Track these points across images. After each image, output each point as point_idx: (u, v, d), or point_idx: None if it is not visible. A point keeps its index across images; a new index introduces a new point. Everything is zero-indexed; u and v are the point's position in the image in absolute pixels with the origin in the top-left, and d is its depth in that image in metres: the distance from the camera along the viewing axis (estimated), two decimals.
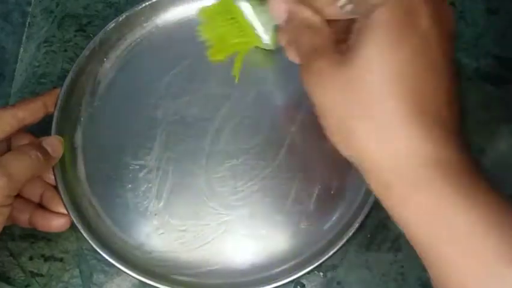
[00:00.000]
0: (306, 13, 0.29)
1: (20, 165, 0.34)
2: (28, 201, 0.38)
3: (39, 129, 0.39)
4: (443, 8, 0.27)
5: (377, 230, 0.39)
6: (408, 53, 0.25)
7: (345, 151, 0.27)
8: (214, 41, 0.42)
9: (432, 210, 0.24)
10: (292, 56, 0.32)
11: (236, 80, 0.41)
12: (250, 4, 0.39)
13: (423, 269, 0.37)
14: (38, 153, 0.35)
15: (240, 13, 0.39)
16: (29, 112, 0.37)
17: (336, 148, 0.28)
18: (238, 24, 0.40)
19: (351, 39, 0.27)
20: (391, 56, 0.25)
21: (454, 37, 0.27)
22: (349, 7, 0.28)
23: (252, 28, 0.40)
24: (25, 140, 0.38)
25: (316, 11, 0.30)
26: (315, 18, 0.29)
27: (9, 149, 0.38)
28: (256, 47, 0.41)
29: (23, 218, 0.37)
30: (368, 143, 0.26)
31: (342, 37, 0.29)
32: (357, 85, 0.25)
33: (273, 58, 0.42)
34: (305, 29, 0.29)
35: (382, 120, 0.25)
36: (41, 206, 0.38)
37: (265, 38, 0.40)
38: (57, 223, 0.37)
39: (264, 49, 0.41)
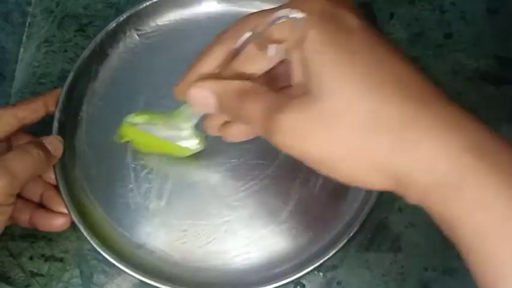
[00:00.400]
0: (235, 84, 0.28)
1: (23, 164, 0.34)
2: (28, 201, 0.38)
3: (40, 129, 0.39)
4: None
5: (377, 230, 0.39)
6: (362, 56, 0.24)
7: (370, 182, 0.25)
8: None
9: (477, 203, 0.22)
10: (235, 136, 0.31)
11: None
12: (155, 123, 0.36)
13: (423, 269, 0.38)
14: (40, 152, 0.35)
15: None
16: (29, 111, 0.37)
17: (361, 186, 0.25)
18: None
19: (299, 77, 0.26)
20: (352, 70, 0.24)
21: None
22: (275, 50, 0.27)
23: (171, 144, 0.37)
24: (25, 140, 0.38)
25: (242, 75, 0.28)
26: (246, 84, 0.28)
27: (9, 149, 0.38)
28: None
29: (24, 217, 0.37)
30: (391, 160, 0.23)
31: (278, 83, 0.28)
32: (339, 113, 0.24)
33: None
34: (247, 96, 0.27)
35: (396, 132, 0.23)
36: (41, 205, 0.38)
37: (191, 143, 0.37)
38: (57, 222, 0.37)
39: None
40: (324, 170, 0.25)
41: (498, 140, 0.23)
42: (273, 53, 0.27)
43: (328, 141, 0.24)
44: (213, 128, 0.32)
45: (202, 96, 0.29)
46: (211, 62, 0.29)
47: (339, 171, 0.25)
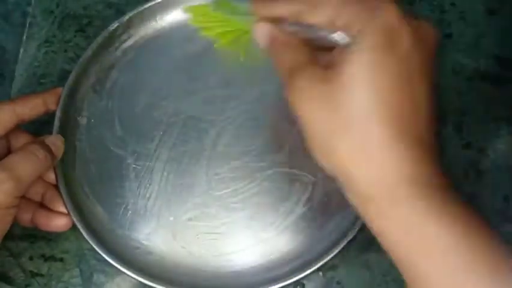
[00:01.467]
0: (285, 35, 0.31)
1: (29, 166, 0.34)
2: (30, 200, 0.38)
3: (40, 128, 0.39)
4: (423, 26, 0.28)
5: None
6: (390, 79, 0.26)
7: (327, 166, 0.28)
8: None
9: (407, 223, 0.26)
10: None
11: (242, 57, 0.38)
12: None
13: None
14: (46, 153, 0.35)
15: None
16: (28, 108, 0.37)
17: (318, 162, 0.29)
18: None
19: (334, 56, 0.28)
20: (373, 80, 0.26)
21: (434, 55, 0.28)
22: (339, 37, 0.29)
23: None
24: (23, 139, 0.38)
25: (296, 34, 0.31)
26: (293, 39, 0.31)
27: (8, 146, 0.38)
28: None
29: (26, 217, 0.37)
30: (349, 161, 0.27)
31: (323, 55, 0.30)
32: (340, 104, 0.26)
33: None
34: (285, 48, 0.30)
35: (363, 140, 0.26)
36: (42, 205, 0.38)
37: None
38: (60, 222, 0.37)
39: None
40: (309, 139, 0.28)
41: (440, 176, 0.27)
42: (338, 38, 0.29)
43: (324, 116, 0.27)
44: None
45: (261, 32, 0.32)
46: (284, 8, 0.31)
47: (319, 145, 0.28)
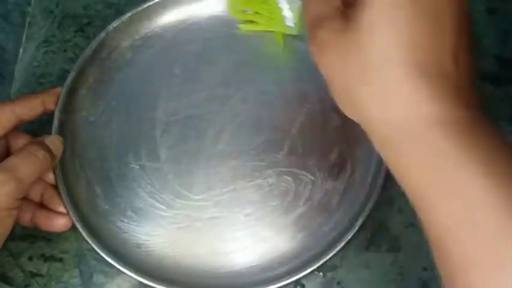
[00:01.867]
0: None
1: (29, 167, 0.34)
2: (30, 200, 0.38)
3: (39, 128, 0.39)
4: None
5: (377, 231, 0.39)
6: (409, 10, 0.24)
7: (349, 114, 0.28)
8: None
9: (432, 165, 0.24)
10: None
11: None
12: None
13: (423, 269, 0.38)
14: (46, 153, 0.35)
15: None
16: (27, 108, 0.37)
17: (344, 113, 0.28)
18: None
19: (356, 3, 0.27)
20: (390, 14, 0.24)
21: None
22: None
23: (279, 10, 0.41)
24: (22, 139, 0.38)
25: None
26: None
27: (7, 147, 0.38)
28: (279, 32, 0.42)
29: (26, 217, 0.37)
30: (368, 104, 0.26)
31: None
32: (358, 48, 0.26)
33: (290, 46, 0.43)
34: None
35: (381, 81, 0.25)
36: (42, 205, 0.38)
37: (290, 19, 0.41)
38: (59, 223, 0.37)
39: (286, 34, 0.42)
40: (331, 90, 0.28)
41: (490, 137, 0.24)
42: None
43: (343, 64, 0.26)
44: None
45: None
46: None
47: (340, 94, 0.27)
